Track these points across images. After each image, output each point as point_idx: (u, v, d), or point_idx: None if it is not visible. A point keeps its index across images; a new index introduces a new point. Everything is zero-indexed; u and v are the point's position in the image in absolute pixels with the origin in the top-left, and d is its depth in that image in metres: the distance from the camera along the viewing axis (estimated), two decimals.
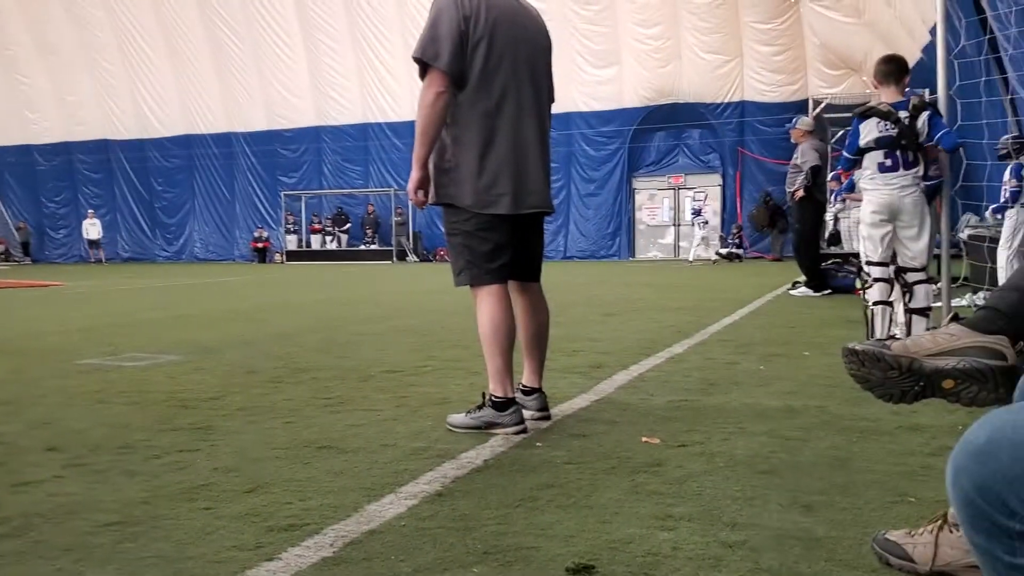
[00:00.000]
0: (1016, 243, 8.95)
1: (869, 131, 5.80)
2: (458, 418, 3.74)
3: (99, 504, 2.74)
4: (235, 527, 2.51)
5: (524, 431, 3.65)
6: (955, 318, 1.95)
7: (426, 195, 3.77)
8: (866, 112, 5.86)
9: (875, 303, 5.86)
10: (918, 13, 15.89)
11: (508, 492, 2.80)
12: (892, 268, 5.94)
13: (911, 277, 5.84)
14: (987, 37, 8.71)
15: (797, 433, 3.56)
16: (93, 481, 3.01)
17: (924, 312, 5.80)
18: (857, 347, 1.96)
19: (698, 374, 5.08)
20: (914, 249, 5.83)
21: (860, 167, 6.01)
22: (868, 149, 5.83)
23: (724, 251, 25.44)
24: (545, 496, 2.75)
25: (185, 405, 4.38)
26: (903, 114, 5.72)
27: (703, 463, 3.12)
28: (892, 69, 5.92)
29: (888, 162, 5.78)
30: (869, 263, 5.88)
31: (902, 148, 5.74)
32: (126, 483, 2.98)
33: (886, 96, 5.88)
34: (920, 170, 5.84)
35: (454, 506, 2.66)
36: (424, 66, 3.60)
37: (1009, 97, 9.15)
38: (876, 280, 5.85)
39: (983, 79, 8.48)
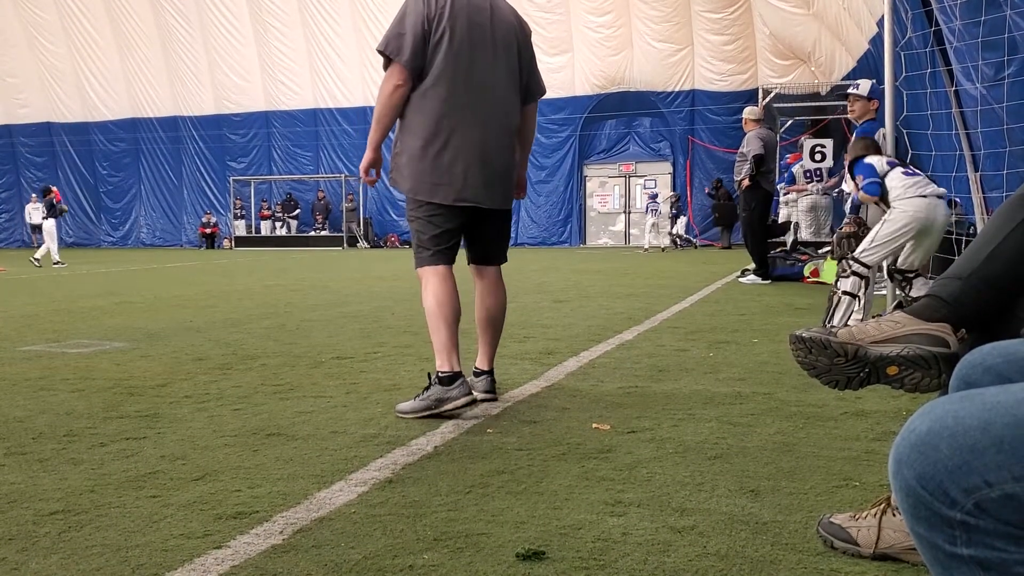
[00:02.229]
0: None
1: (877, 163, 6.14)
2: (407, 405, 3.75)
3: (43, 493, 2.70)
4: (183, 515, 2.48)
5: (474, 401, 3.74)
6: (899, 306, 1.98)
7: (377, 174, 3.97)
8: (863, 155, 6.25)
9: (844, 292, 5.88)
10: (866, 5, 16.06)
11: (458, 479, 2.80)
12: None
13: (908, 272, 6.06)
14: (932, 29, 8.83)
15: (745, 419, 3.61)
16: (36, 470, 2.96)
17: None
18: (804, 334, 1.99)
19: (648, 361, 5.12)
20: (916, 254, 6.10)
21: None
22: (884, 174, 6.10)
23: (675, 233, 25.55)
24: (496, 482, 2.76)
25: (131, 392, 4.32)
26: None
27: (653, 449, 3.14)
28: (869, 143, 6.47)
29: (909, 169, 6.13)
30: (862, 261, 5.88)
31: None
32: (70, 471, 2.93)
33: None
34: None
35: (404, 493, 2.66)
36: (387, 59, 3.79)
37: (953, 88, 9.28)
38: (856, 275, 5.88)
39: (928, 70, 8.61)
